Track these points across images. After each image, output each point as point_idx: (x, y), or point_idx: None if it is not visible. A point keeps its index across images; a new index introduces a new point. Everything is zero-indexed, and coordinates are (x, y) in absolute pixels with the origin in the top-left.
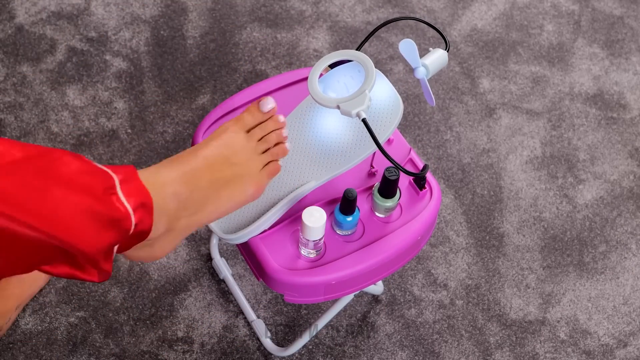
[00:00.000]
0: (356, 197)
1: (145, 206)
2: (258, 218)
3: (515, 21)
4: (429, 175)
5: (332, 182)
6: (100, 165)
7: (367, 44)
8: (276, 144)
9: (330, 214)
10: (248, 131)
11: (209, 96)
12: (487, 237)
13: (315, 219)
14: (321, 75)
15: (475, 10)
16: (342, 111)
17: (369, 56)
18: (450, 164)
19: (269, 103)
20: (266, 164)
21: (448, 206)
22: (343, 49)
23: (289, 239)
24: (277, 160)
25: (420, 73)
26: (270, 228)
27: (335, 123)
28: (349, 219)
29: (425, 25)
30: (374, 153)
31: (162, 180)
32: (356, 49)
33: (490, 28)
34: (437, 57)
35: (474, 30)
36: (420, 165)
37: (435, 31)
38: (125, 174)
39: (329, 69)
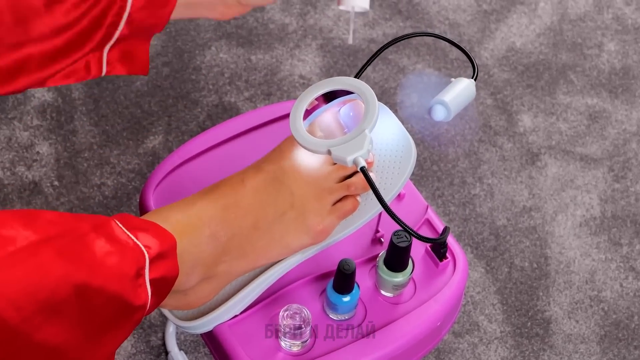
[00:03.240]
0: (355, 270)
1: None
2: (226, 300)
3: (565, 38)
4: (451, 242)
5: (325, 250)
6: (131, 236)
7: (369, 69)
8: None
9: (322, 293)
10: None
11: (161, 138)
12: (529, 324)
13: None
14: (308, 111)
15: (513, 24)
16: (335, 157)
17: (373, 85)
18: (480, 227)
19: None
20: (339, 200)
21: (477, 282)
22: (338, 75)
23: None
24: (355, 195)
25: (439, 113)
26: (241, 313)
27: None
28: (346, 299)
29: (447, 43)
30: (380, 213)
31: (197, 221)
32: (355, 76)
33: (533, 47)
34: (461, 91)
35: (511, 51)
36: (440, 228)
37: (460, 52)
38: (162, 247)
39: (323, 102)
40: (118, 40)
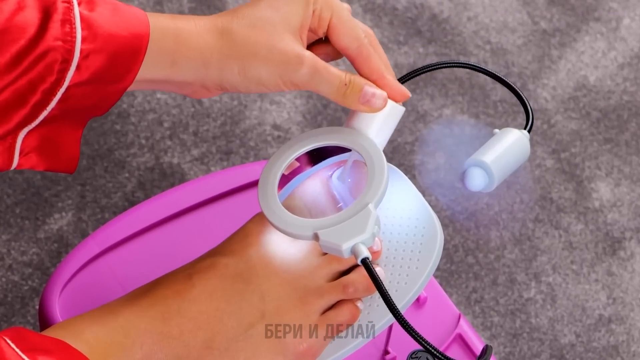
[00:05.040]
0: None
1: None
2: None
3: None
4: None
5: None
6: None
7: None
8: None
9: None
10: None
11: (71, 216)
12: None
13: None
14: (286, 177)
15: (585, 49)
16: (325, 245)
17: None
18: (536, 347)
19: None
20: (332, 307)
21: None
22: (328, 124)
23: None
24: (355, 300)
25: (477, 180)
26: None
27: None
28: None
29: (488, 78)
30: (391, 326)
31: (124, 338)
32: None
33: (614, 84)
34: (509, 148)
35: (581, 89)
36: (479, 348)
37: (507, 90)
38: None
39: (308, 164)
40: (41, 122)
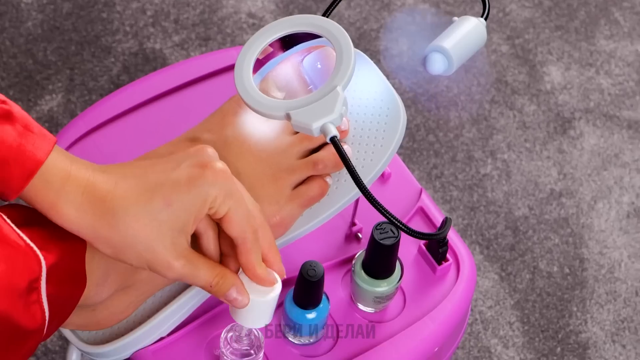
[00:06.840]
0: (323, 276)
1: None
2: (149, 317)
3: None
4: (453, 238)
5: (283, 249)
6: (22, 236)
7: (343, 5)
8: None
9: (279, 307)
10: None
11: (60, 97)
12: (558, 350)
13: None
14: (260, 61)
15: None
16: (296, 124)
17: (347, 26)
18: (492, 219)
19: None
20: (302, 182)
21: (489, 293)
22: (299, 12)
23: (202, 352)
24: (324, 176)
25: (437, 65)
26: (169, 334)
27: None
28: (311, 315)
29: None
30: (357, 200)
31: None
32: (323, 14)
33: None
34: (467, 35)
35: None
36: (439, 220)
37: None
38: (63, 253)
39: (280, 49)
40: None
